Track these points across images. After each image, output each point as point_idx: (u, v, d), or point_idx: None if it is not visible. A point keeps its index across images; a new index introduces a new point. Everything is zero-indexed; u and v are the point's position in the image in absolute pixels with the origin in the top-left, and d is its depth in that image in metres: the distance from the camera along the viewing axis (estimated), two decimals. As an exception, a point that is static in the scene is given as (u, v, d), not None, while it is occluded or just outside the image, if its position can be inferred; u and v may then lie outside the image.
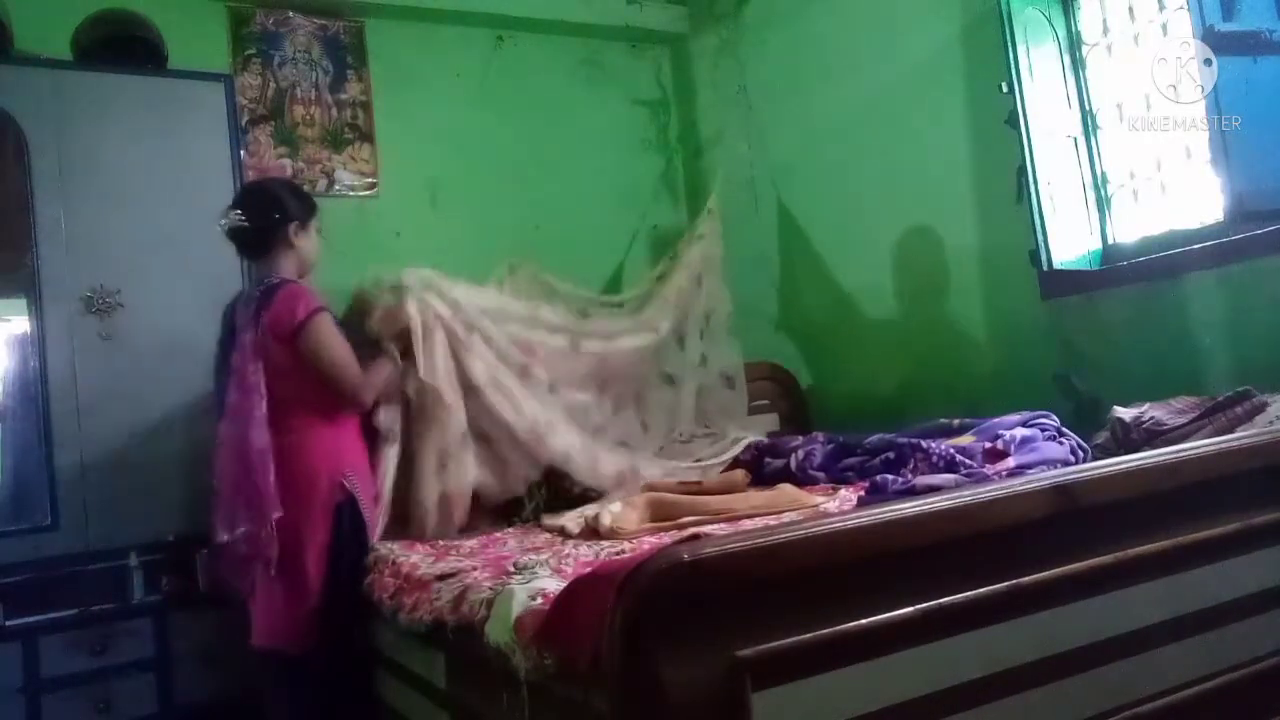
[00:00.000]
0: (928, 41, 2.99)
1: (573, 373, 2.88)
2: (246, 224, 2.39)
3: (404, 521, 2.52)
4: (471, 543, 2.40)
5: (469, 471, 2.57)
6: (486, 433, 2.63)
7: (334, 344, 2.30)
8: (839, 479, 2.59)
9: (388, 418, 2.54)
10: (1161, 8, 2.56)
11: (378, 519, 2.43)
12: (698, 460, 2.96)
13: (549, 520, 2.57)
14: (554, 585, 1.54)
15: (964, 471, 2.14)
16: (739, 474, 2.81)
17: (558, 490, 2.80)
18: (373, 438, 2.53)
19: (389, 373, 2.49)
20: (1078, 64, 2.76)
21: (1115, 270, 2.58)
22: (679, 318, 3.20)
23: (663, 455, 3.01)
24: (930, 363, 3.09)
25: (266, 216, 2.40)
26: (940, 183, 2.99)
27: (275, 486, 2.18)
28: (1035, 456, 2.16)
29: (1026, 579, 1.32)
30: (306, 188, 3.38)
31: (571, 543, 2.22)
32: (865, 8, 3.24)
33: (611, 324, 3.07)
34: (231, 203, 2.44)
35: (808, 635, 1.16)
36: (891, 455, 2.41)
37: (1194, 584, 1.48)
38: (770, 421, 3.48)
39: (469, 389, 2.59)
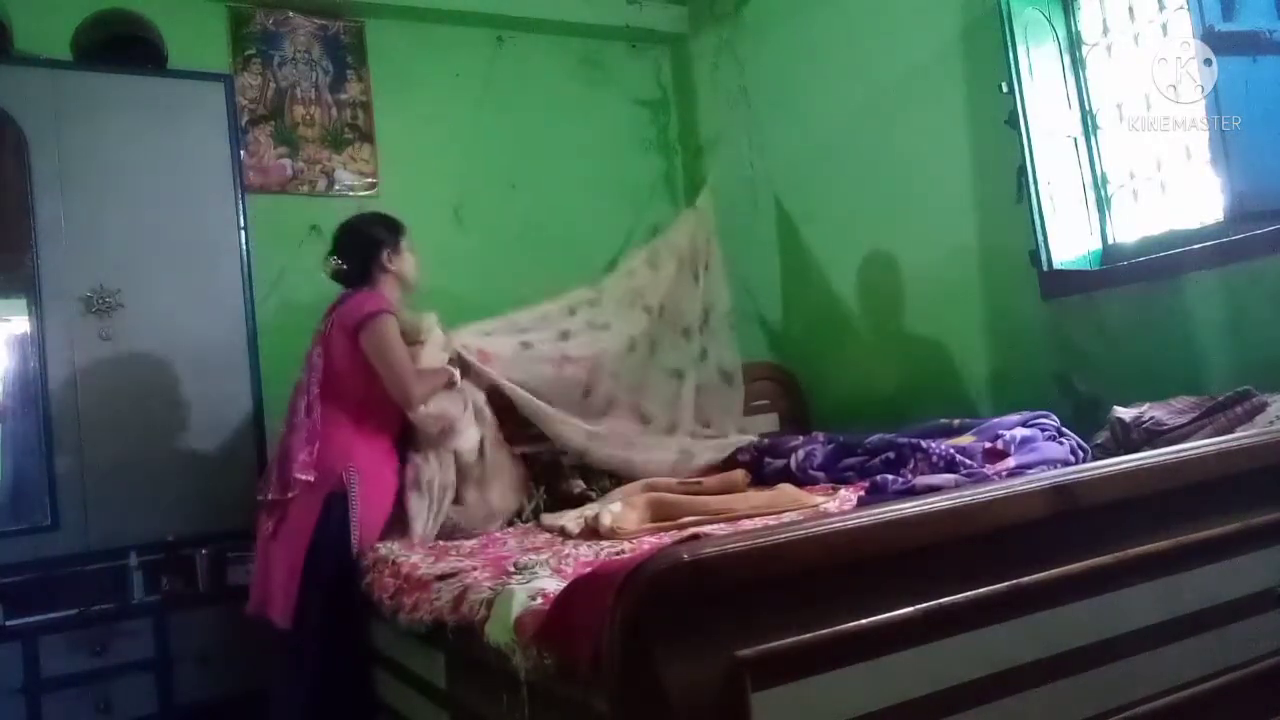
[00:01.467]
0: (928, 41, 2.99)
1: (555, 378, 2.89)
2: (345, 267, 2.59)
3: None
4: (471, 543, 2.40)
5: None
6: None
7: (394, 344, 2.46)
8: (839, 479, 2.59)
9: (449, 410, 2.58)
10: (1161, 8, 2.56)
11: (377, 523, 2.44)
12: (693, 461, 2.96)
13: (549, 520, 2.57)
14: (554, 585, 1.54)
15: (964, 471, 2.14)
16: (739, 474, 2.81)
17: (557, 491, 2.80)
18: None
19: (442, 380, 2.58)
20: (1078, 64, 2.76)
21: (1115, 270, 2.58)
22: (671, 311, 3.17)
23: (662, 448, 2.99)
24: (930, 362, 3.08)
25: (360, 253, 2.57)
26: (940, 183, 2.99)
27: (313, 457, 2.35)
28: (1035, 456, 2.16)
29: (1026, 579, 1.32)
30: (305, 188, 3.41)
31: (571, 543, 2.22)
32: (865, 8, 3.24)
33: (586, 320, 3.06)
34: (329, 249, 2.63)
35: (808, 635, 1.15)
36: (891, 455, 2.42)
37: (1194, 584, 1.48)
38: (770, 421, 3.48)
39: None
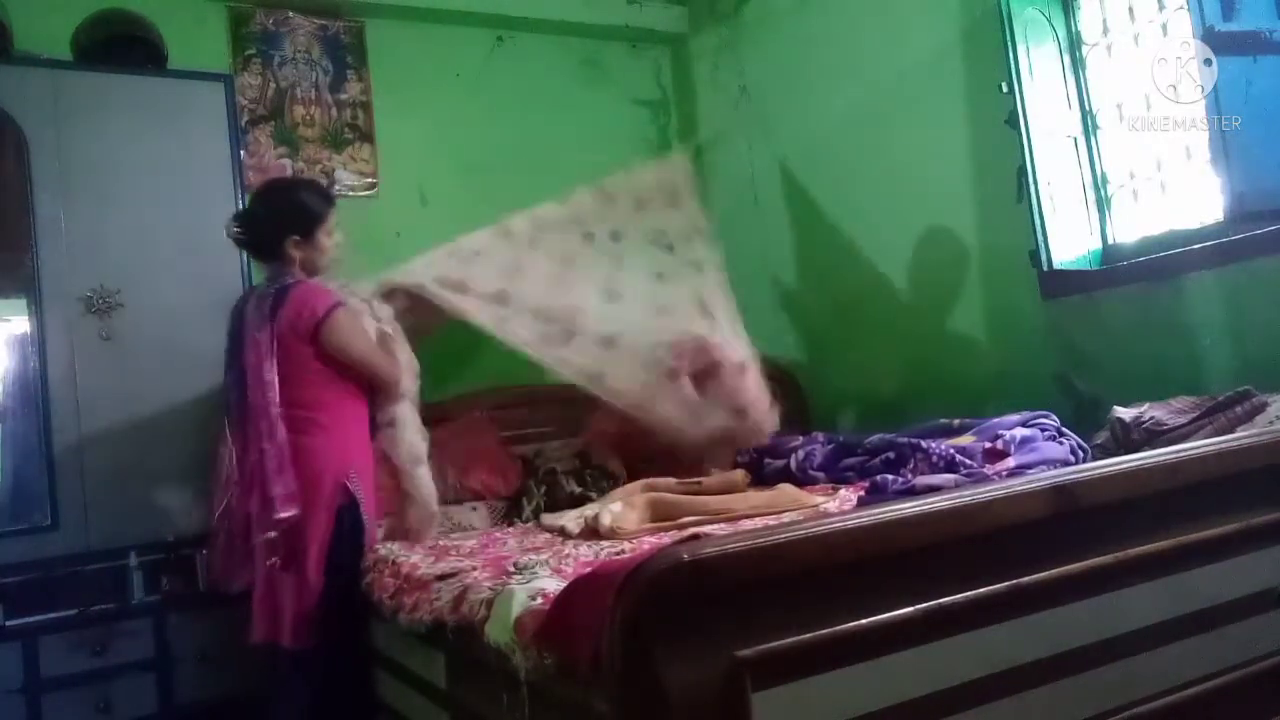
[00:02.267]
0: (928, 41, 2.99)
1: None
2: (243, 236, 2.43)
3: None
4: (471, 543, 2.40)
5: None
6: None
7: (358, 336, 2.37)
8: (839, 479, 2.59)
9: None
10: (1161, 8, 2.56)
11: (376, 523, 2.43)
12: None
13: (549, 520, 2.57)
14: (554, 585, 1.54)
15: (964, 471, 2.14)
16: (739, 474, 2.81)
17: (556, 493, 2.80)
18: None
19: (395, 347, 2.49)
20: (1078, 64, 2.76)
21: (1115, 270, 2.58)
22: (636, 233, 3.08)
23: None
24: (930, 362, 3.09)
25: (258, 228, 2.42)
26: (940, 183, 2.99)
27: (290, 487, 2.20)
28: (1035, 456, 2.16)
29: (1026, 579, 1.32)
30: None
31: (571, 543, 2.22)
32: (865, 8, 3.24)
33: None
34: (236, 213, 2.47)
35: (808, 635, 1.15)
36: (891, 455, 2.42)
37: (1194, 584, 1.48)
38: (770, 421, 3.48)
39: None
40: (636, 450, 2.94)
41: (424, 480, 2.48)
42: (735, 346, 2.75)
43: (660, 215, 3.13)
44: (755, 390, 2.69)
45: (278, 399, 2.24)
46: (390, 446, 2.46)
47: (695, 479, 2.76)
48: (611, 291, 2.85)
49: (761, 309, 3.80)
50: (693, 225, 3.11)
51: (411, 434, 2.48)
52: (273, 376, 2.25)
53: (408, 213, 3.55)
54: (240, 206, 2.93)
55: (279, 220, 2.40)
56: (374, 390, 2.44)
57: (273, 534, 2.19)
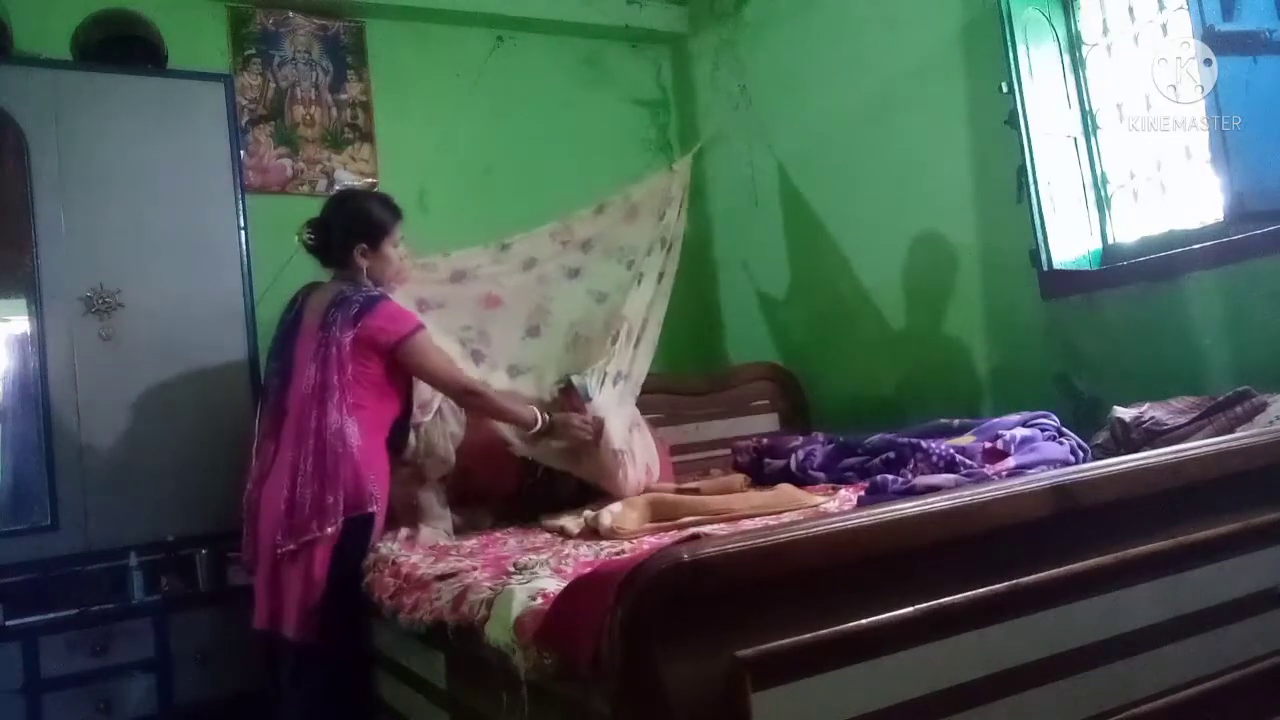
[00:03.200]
0: (928, 41, 2.99)
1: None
2: (315, 243, 2.49)
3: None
4: (471, 543, 2.40)
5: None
6: None
7: (436, 357, 2.47)
8: (839, 479, 2.59)
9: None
10: (1161, 8, 2.56)
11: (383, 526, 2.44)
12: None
13: (549, 520, 2.57)
14: (554, 585, 1.54)
15: (964, 471, 2.14)
16: (738, 478, 2.81)
17: (554, 494, 2.80)
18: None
19: (518, 416, 2.56)
20: (1078, 64, 2.76)
21: (1115, 270, 2.58)
22: (603, 243, 3.11)
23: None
24: (930, 362, 3.09)
25: (330, 236, 2.48)
26: (940, 183, 2.99)
27: (349, 481, 2.26)
28: (1035, 456, 2.16)
29: (1026, 579, 1.32)
30: (305, 188, 3.40)
31: (571, 543, 2.22)
32: (865, 8, 3.24)
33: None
34: (309, 220, 2.52)
35: (808, 635, 1.15)
36: (891, 455, 2.41)
37: (1194, 584, 1.48)
38: (770, 421, 3.48)
39: None
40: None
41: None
42: (616, 425, 2.69)
43: (640, 226, 3.12)
44: (620, 476, 2.65)
45: (340, 406, 2.28)
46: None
47: (693, 484, 2.77)
48: (532, 328, 2.93)
49: (761, 308, 3.80)
50: (660, 235, 3.07)
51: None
52: (335, 379, 2.29)
53: (408, 213, 3.53)
54: (240, 206, 2.94)
55: (349, 229, 2.47)
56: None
57: (293, 547, 2.22)
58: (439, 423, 2.66)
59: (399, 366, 2.40)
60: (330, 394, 2.29)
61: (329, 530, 2.23)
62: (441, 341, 2.65)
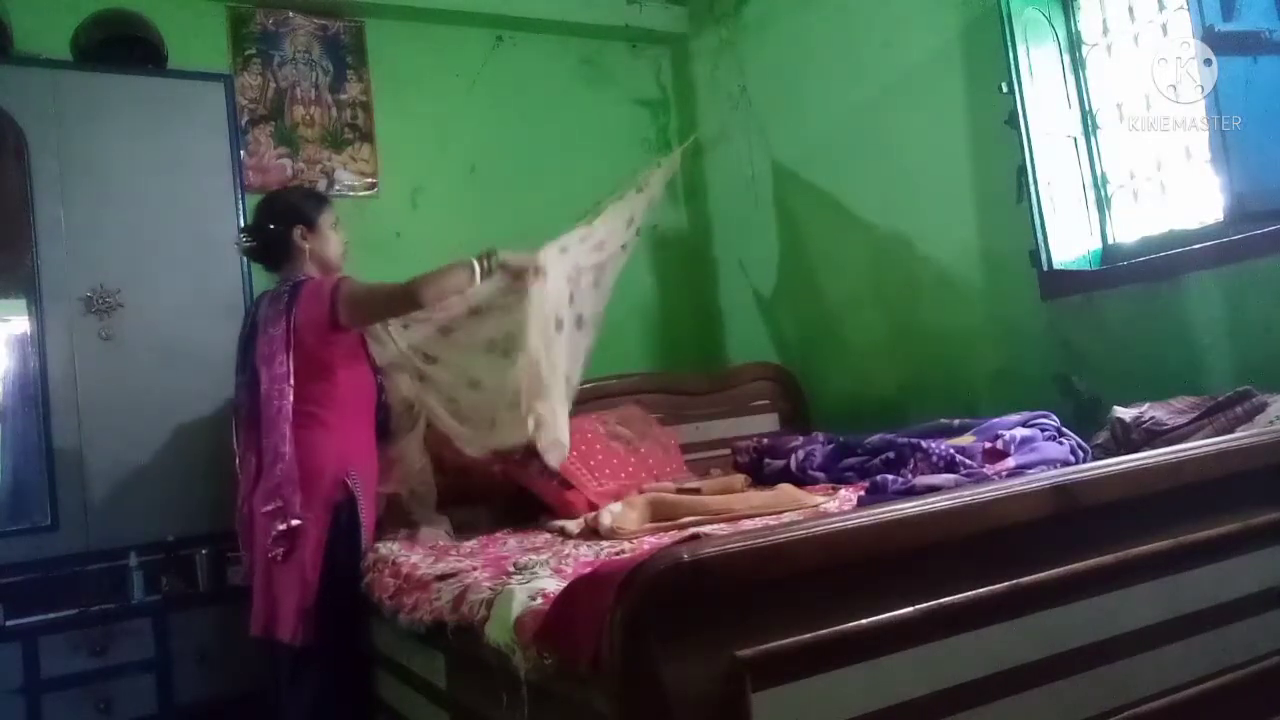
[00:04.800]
0: (928, 41, 2.99)
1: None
2: (253, 243, 2.49)
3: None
4: (471, 543, 2.40)
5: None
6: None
7: (368, 287, 2.37)
8: (839, 479, 2.59)
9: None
10: (1161, 8, 2.56)
11: (374, 523, 2.43)
12: None
13: (549, 520, 2.57)
14: (554, 585, 1.54)
15: (964, 471, 2.14)
16: (739, 477, 2.81)
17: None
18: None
19: (457, 278, 2.37)
20: (1078, 64, 2.76)
21: (1115, 270, 2.58)
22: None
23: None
24: (930, 362, 3.09)
25: (265, 231, 2.47)
26: (940, 183, 2.99)
27: (295, 498, 2.23)
28: (1035, 456, 2.16)
29: (1026, 579, 1.32)
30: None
31: (571, 543, 2.22)
32: (865, 8, 3.24)
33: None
34: (241, 227, 2.53)
35: (808, 635, 1.16)
36: (891, 455, 2.41)
37: (1194, 584, 1.48)
38: (770, 421, 3.48)
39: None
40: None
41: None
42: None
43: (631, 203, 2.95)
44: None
45: (292, 396, 2.28)
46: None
47: (694, 486, 2.76)
48: (474, 380, 2.62)
49: (761, 308, 3.80)
50: (619, 246, 2.90)
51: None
52: (286, 370, 2.29)
53: (408, 213, 3.56)
54: (240, 206, 2.94)
55: (284, 215, 2.47)
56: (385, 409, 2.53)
57: (278, 531, 2.22)
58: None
59: (348, 334, 2.35)
60: (288, 391, 2.28)
61: (310, 517, 2.24)
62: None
